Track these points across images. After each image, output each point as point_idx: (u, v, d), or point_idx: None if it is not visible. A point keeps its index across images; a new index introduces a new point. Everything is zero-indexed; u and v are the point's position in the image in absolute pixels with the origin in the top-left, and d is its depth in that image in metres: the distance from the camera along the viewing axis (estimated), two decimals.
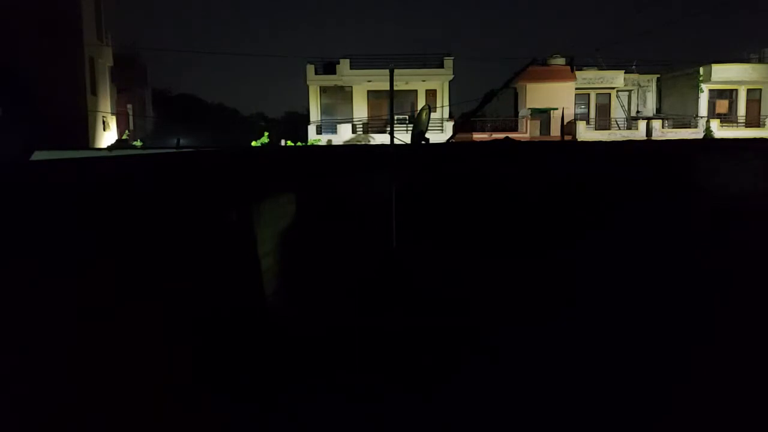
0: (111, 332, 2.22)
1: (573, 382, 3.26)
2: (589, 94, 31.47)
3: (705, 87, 31.02)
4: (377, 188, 4.09)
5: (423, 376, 3.32)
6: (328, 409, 3.03)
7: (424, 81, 30.02)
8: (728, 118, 31.17)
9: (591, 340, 3.59)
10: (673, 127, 31.08)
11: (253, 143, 27.46)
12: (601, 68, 31.51)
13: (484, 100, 5.55)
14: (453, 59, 29.92)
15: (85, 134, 21.81)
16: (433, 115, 26.93)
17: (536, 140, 25.34)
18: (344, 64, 29.73)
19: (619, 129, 30.96)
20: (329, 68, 30.29)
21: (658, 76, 33.13)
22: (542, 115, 29.99)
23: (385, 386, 3.20)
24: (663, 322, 3.72)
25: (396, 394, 3.14)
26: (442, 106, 29.79)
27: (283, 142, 28.25)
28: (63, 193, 2.22)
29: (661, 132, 29.96)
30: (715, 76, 30.69)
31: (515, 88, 30.83)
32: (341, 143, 27.60)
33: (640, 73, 32.68)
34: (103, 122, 24.10)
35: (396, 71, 5.23)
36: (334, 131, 29.36)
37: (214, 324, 2.99)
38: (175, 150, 10.19)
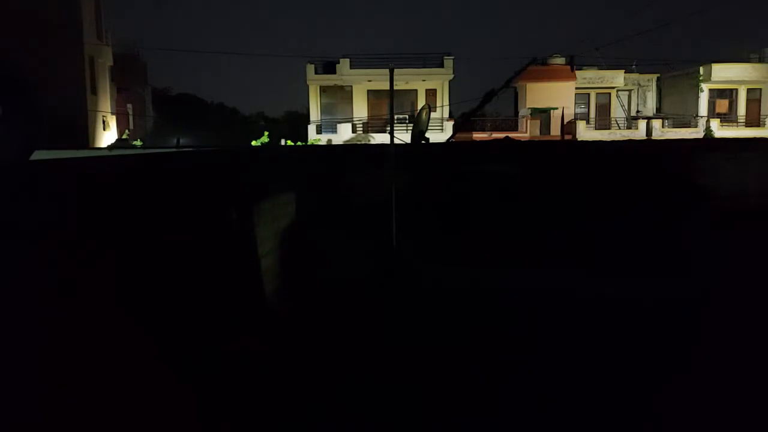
0: (111, 332, 2.22)
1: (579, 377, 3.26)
2: (589, 94, 31.45)
3: (705, 87, 31.01)
4: (377, 188, 4.09)
5: (421, 377, 3.32)
6: (329, 411, 3.03)
7: (424, 80, 30.01)
8: (728, 118, 31.15)
9: (590, 341, 3.59)
10: (673, 127, 31.07)
11: (253, 143, 27.45)
12: (601, 68, 31.49)
13: (484, 100, 5.55)
14: (453, 59, 29.92)
15: (85, 134, 21.80)
16: (433, 115, 26.90)
17: (536, 140, 25.35)
18: (344, 64, 29.72)
19: (619, 128, 30.94)
20: (329, 68, 30.27)
21: (658, 75, 33.12)
22: (542, 114, 29.98)
23: (384, 384, 3.20)
24: (661, 322, 3.72)
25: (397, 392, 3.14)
26: (442, 106, 29.78)
27: (283, 142, 28.24)
28: (63, 192, 2.22)
29: (661, 131, 29.96)
30: (715, 76, 30.69)
31: (515, 88, 30.82)
32: (341, 143, 27.59)
33: (640, 72, 32.67)
34: (103, 122, 24.09)
35: (396, 71, 5.23)
36: (334, 131, 29.34)
37: (215, 323, 2.99)
38: (175, 149, 10.18)
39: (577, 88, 30.73)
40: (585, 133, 29.75)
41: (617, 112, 31.93)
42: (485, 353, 3.48)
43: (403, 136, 5.76)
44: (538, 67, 29.36)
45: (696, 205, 4.19)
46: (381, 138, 27.48)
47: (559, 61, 31.10)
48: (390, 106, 5.05)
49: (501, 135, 23.05)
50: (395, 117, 27.00)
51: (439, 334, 3.70)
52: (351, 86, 30.29)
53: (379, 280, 3.92)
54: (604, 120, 31.49)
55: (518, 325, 3.72)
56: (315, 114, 30.56)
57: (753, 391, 3.01)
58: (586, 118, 31.05)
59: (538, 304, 3.81)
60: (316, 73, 30.37)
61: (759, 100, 31.44)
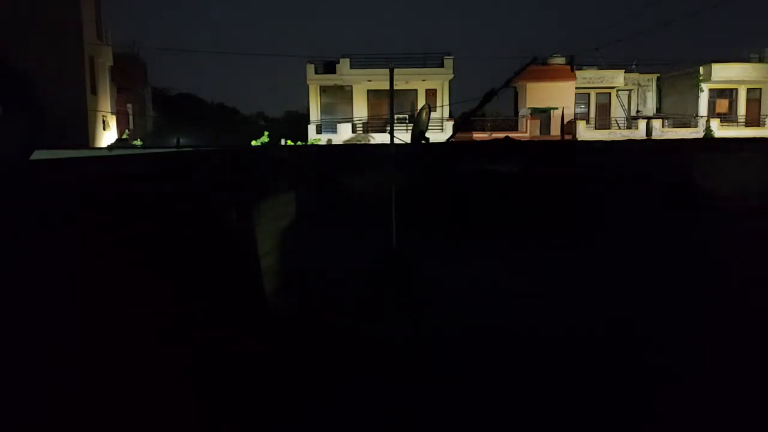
0: (111, 332, 2.22)
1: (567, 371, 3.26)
2: (589, 94, 31.45)
3: (705, 86, 31.00)
4: (377, 188, 4.08)
5: (421, 372, 3.32)
6: (332, 408, 3.03)
7: (424, 80, 30.01)
8: (728, 118, 31.14)
9: (589, 339, 3.59)
10: (673, 127, 31.07)
11: (253, 143, 27.45)
12: (601, 68, 31.48)
13: (484, 100, 5.54)
14: (453, 59, 29.92)
15: (85, 133, 21.81)
16: (433, 115, 26.88)
17: (536, 139, 25.34)
18: (344, 64, 29.72)
19: (619, 128, 30.94)
20: (329, 67, 30.27)
21: (658, 75, 33.11)
22: (542, 114, 29.98)
23: (385, 384, 3.19)
24: (659, 322, 3.72)
25: (397, 390, 3.14)
26: (442, 106, 29.77)
27: (283, 142, 28.24)
28: (63, 192, 2.22)
29: (661, 131, 29.95)
30: (715, 76, 30.68)
31: (515, 88, 30.81)
32: (341, 143, 27.59)
33: (640, 72, 32.66)
34: (103, 121, 24.09)
35: (396, 70, 5.24)
36: (334, 131, 29.35)
37: (215, 323, 2.99)
38: (175, 149, 10.18)
39: (577, 88, 30.73)
40: (585, 133, 29.75)
41: (617, 112, 31.93)
42: (484, 353, 3.49)
43: (403, 136, 5.76)
44: (538, 67, 29.34)
45: (695, 205, 4.19)
46: (381, 138, 27.47)
47: (559, 61, 31.09)
48: (390, 106, 5.06)
49: (501, 135, 23.05)
50: (395, 117, 26.97)
51: (438, 335, 3.70)
52: (351, 86, 30.29)
53: (379, 280, 3.92)
54: (604, 120, 31.49)
55: (517, 325, 3.72)
56: (315, 114, 30.56)
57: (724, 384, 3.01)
58: (586, 118, 31.04)
59: (537, 304, 3.81)
60: (316, 73, 30.36)
61: (759, 100, 31.43)
